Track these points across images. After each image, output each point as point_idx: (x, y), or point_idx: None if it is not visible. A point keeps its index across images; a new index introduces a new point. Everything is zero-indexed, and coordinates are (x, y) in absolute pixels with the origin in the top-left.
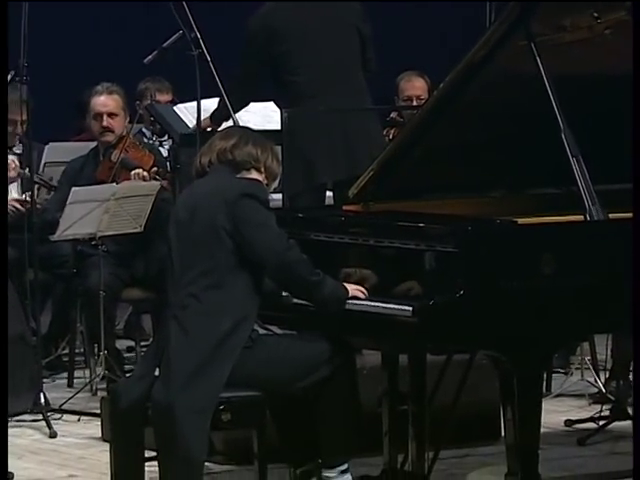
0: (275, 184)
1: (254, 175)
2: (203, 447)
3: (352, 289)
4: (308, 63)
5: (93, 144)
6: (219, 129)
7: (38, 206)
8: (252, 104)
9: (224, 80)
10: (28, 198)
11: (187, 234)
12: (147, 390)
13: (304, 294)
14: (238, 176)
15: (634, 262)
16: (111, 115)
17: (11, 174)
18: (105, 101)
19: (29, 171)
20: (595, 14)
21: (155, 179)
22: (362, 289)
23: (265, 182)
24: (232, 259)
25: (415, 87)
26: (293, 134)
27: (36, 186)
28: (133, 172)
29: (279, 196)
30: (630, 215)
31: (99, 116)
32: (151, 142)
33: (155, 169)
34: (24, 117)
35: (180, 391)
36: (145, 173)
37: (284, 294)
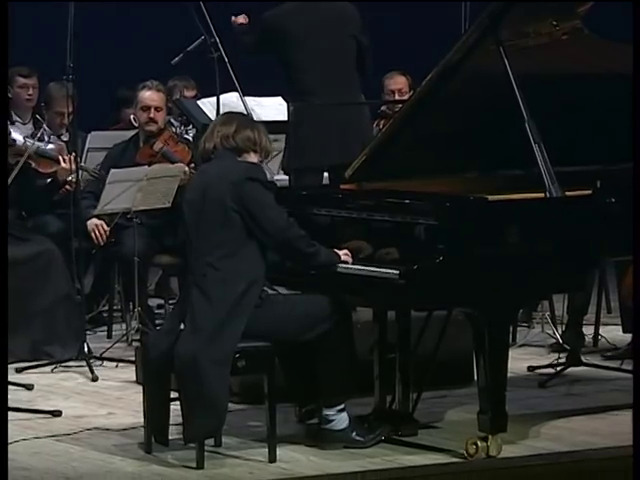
0: (271, 159)
1: (252, 157)
2: (226, 393)
3: (342, 254)
4: (312, 63)
5: (128, 133)
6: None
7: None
8: (264, 99)
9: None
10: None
11: (200, 212)
12: (172, 343)
13: (302, 263)
14: (240, 159)
15: (634, 262)
16: (157, 108)
17: (64, 166)
18: (152, 96)
19: (75, 156)
20: (554, 22)
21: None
22: (349, 253)
23: (260, 159)
24: (241, 232)
25: (397, 82)
26: (298, 124)
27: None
28: (175, 166)
29: (286, 177)
30: (583, 192)
31: (147, 108)
32: (182, 134)
33: (193, 165)
34: (70, 110)
35: (204, 345)
36: (187, 168)
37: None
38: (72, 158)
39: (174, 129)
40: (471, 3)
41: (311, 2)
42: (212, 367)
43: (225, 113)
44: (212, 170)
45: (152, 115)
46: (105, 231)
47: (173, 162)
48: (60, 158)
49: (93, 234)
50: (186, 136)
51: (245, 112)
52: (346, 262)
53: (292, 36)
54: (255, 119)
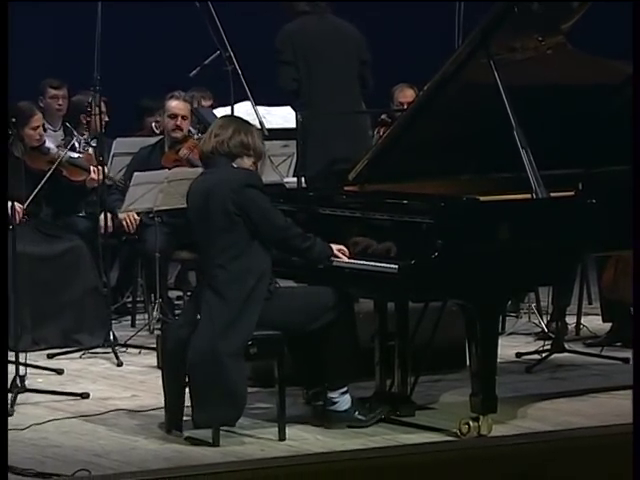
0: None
1: (246, 161)
2: (244, 384)
3: (336, 249)
4: (318, 77)
5: (150, 139)
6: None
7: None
8: (274, 108)
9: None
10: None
11: (206, 217)
12: (187, 335)
13: (300, 257)
14: (234, 164)
15: (634, 261)
16: (183, 117)
17: (93, 177)
18: (179, 105)
19: (103, 167)
20: (539, 38)
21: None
22: (344, 248)
23: (254, 161)
24: (245, 234)
25: (405, 95)
26: (305, 130)
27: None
28: (198, 168)
29: (294, 179)
30: (566, 194)
31: (174, 116)
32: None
33: None
34: (99, 118)
35: (221, 339)
36: None
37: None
38: (100, 170)
39: (194, 136)
40: (465, 11)
41: (319, 21)
42: (230, 360)
43: (223, 117)
44: (212, 178)
45: (178, 123)
46: (135, 220)
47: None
48: (91, 168)
49: (125, 222)
50: None
51: (257, 120)
52: (338, 257)
53: (301, 49)
54: (266, 126)
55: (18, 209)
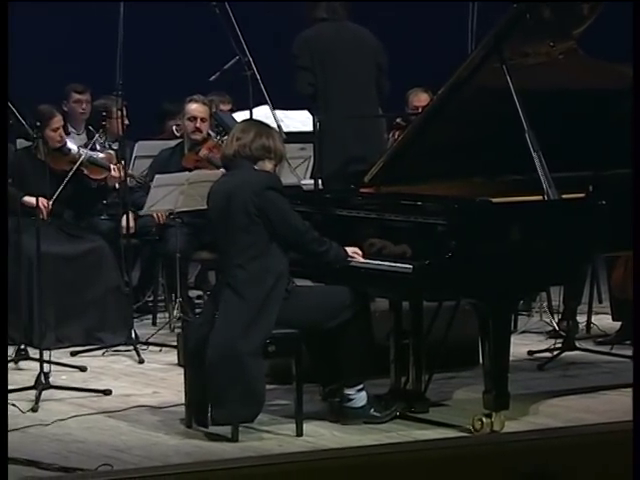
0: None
1: (267, 164)
2: (263, 383)
3: (350, 251)
4: (335, 82)
5: (171, 142)
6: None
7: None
8: (291, 112)
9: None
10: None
11: (226, 218)
12: (208, 334)
13: (316, 260)
14: (256, 167)
15: (634, 262)
16: (202, 119)
17: (118, 174)
18: (199, 108)
19: (124, 163)
20: (551, 43)
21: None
22: (358, 250)
23: (275, 163)
24: (264, 235)
25: (420, 99)
26: (323, 134)
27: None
28: (219, 170)
29: (311, 181)
30: (577, 195)
31: (193, 118)
32: (220, 143)
33: None
34: (121, 121)
35: (240, 338)
36: None
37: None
38: (121, 167)
39: (215, 139)
40: (477, 16)
41: (336, 27)
42: (250, 358)
43: (244, 121)
44: (234, 180)
45: (198, 125)
46: (164, 210)
47: (218, 167)
48: (111, 166)
49: (155, 214)
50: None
51: (275, 123)
52: (354, 258)
53: (319, 54)
54: (284, 130)
55: (44, 204)
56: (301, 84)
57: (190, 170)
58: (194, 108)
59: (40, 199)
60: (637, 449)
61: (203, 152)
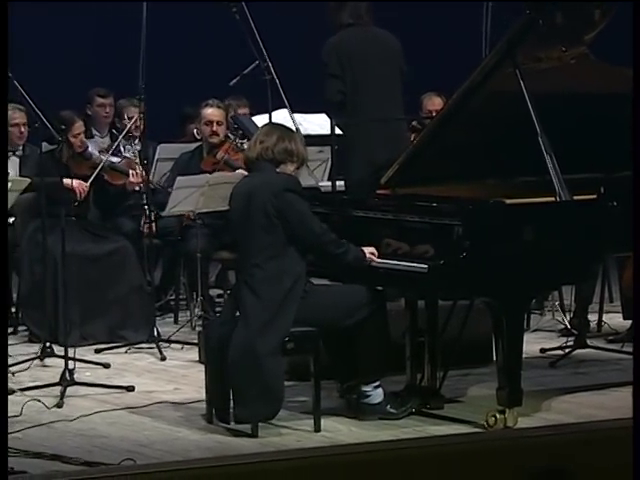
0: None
1: (289, 167)
2: (282, 381)
3: (367, 252)
4: (364, 88)
5: (192, 145)
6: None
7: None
8: (309, 115)
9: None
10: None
11: (246, 218)
12: (228, 332)
13: (333, 262)
14: (278, 170)
15: (634, 261)
16: (218, 122)
17: (137, 180)
18: (214, 112)
19: (145, 164)
20: (563, 48)
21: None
22: (374, 251)
23: (297, 166)
24: (283, 236)
25: (434, 103)
26: (350, 138)
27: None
28: (238, 171)
29: (329, 183)
30: (588, 197)
31: (210, 122)
32: (239, 145)
33: None
34: (142, 124)
35: (259, 338)
36: (245, 172)
37: None
38: (139, 172)
39: (232, 141)
40: (492, 20)
41: (362, 32)
42: (269, 358)
43: (268, 124)
44: (254, 181)
45: (214, 129)
46: (186, 211)
47: (234, 168)
48: (129, 171)
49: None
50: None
51: (294, 127)
52: (371, 259)
53: (347, 59)
54: (302, 132)
55: (82, 187)
56: (331, 92)
57: (209, 172)
58: (210, 112)
59: (77, 181)
60: (637, 447)
61: (220, 154)
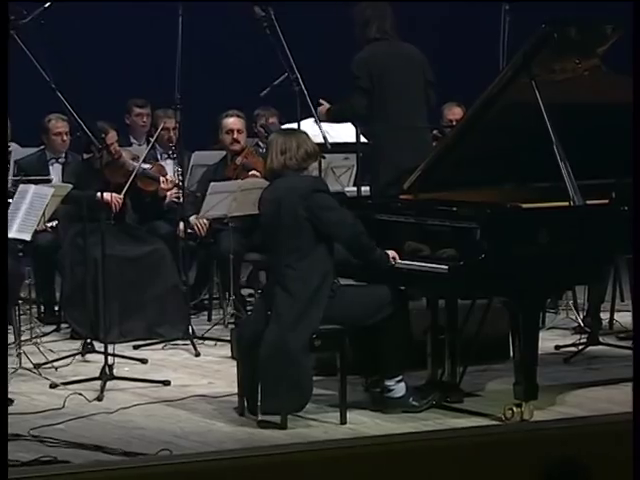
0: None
1: (312, 165)
2: (310, 375)
3: (391, 254)
4: (394, 99)
5: (224, 152)
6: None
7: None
8: (335, 124)
9: (316, 107)
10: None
11: (276, 223)
12: (259, 330)
13: (364, 256)
14: (303, 174)
15: (634, 261)
16: (238, 131)
17: (167, 186)
18: (235, 121)
19: (181, 170)
20: (577, 61)
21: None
22: (396, 255)
23: (316, 160)
24: (312, 237)
25: (454, 112)
26: (377, 147)
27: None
28: (250, 173)
29: (354, 188)
30: (601, 202)
31: (231, 131)
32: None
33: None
34: (177, 133)
35: (289, 333)
36: (258, 174)
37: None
38: (169, 178)
39: (260, 150)
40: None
41: (389, 46)
42: (299, 353)
43: (278, 133)
44: (283, 186)
45: (235, 137)
46: (204, 224)
47: (249, 170)
48: (161, 178)
49: (196, 227)
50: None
51: (321, 135)
52: (394, 261)
53: (376, 73)
54: (329, 140)
55: (117, 200)
56: (358, 105)
57: (232, 178)
58: (231, 122)
59: (112, 194)
60: (637, 444)
61: (239, 159)
